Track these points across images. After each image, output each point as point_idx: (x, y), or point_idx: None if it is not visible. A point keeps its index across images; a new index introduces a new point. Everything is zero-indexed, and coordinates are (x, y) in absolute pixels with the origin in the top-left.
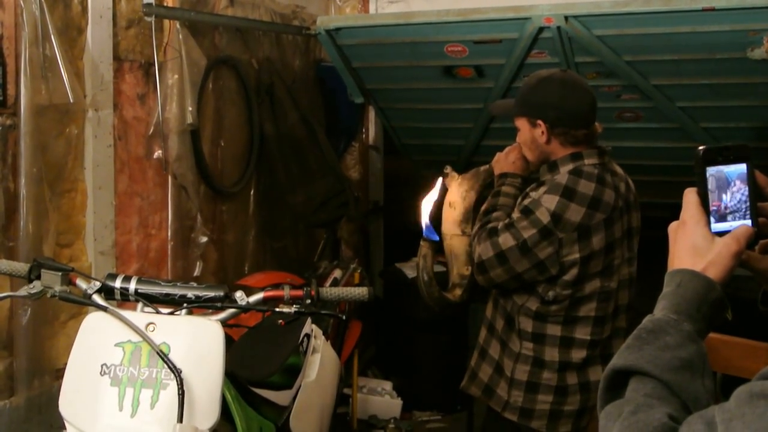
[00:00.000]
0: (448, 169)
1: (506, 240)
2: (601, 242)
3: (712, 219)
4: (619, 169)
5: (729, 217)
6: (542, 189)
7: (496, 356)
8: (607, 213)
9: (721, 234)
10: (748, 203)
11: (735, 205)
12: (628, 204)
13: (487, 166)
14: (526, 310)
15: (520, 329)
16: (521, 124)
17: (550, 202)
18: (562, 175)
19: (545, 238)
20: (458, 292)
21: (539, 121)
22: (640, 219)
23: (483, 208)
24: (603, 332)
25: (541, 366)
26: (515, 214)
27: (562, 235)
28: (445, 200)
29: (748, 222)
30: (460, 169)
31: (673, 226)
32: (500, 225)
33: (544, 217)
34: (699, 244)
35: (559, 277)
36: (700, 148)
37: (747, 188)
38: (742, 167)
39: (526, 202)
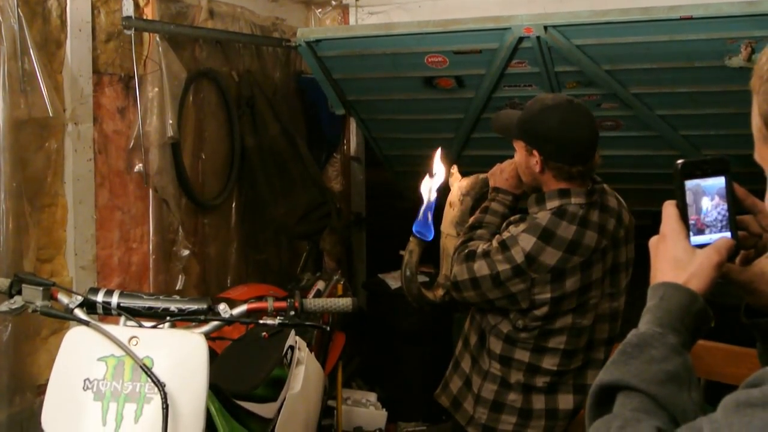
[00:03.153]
0: (453, 169)
1: (481, 268)
2: (575, 284)
3: (691, 232)
4: (612, 203)
5: (708, 230)
6: (522, 226)
7: (467, 370)
8: (586, 256)
9: (701, 247)
10: (727, 216)
11: (714, 217)
12: (616, 241)
13: (485, 175)
14: (498, 332)
15: (490, 349)
16: (518, 147)
17: (527, 242)
18: (545, 214)
19: (517, 275)
20: (440, 292)
21: (535, 152)
22: (634, 250)
23: (470, 221)
24: (571, 363)
25: (507, 387)
26: (494, 243)
27: (535, 275)
28: (447, 198)
29: (728, 234)
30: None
31: (653, 241)
32: (478, 250)
33: (518, 257)
34: (680, 256)
35: (530, 311)
36: (678, 162)
37: (726, 201)
38: (721, 180)
39: (505, 236)
